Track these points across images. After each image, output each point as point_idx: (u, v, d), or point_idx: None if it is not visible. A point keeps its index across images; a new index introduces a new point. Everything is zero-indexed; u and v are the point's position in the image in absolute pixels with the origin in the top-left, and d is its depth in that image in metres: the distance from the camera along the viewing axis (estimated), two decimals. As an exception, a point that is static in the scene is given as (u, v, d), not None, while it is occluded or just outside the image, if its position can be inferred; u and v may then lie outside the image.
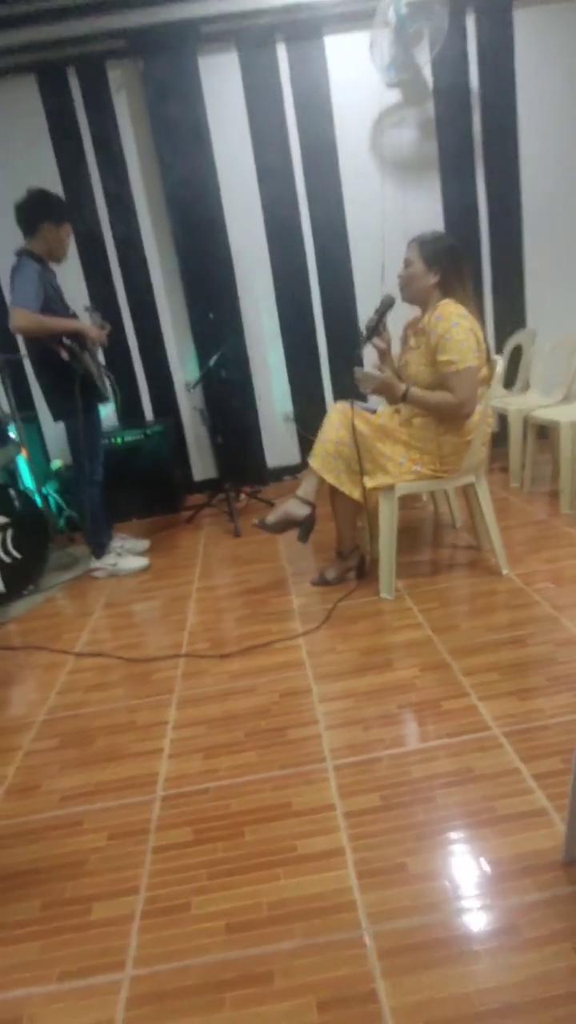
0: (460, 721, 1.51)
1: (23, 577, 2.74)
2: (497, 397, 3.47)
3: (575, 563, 2.25)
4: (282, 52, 3.38)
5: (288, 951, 1.02)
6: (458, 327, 1.95)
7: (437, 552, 2.59)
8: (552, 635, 1.83)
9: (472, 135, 3.53)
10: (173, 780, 1.46)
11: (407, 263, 2.10)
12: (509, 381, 3.61)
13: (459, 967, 0.95)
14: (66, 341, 2.41)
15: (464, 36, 3.39)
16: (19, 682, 2.03)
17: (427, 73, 3.43)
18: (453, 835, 1.19)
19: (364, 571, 2.40)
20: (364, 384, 2.12)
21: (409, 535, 2.82)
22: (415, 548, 2.65)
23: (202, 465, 3.95)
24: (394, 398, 2.13)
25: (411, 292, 2.12)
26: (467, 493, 2.29)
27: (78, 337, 2.49)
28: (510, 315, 3.78)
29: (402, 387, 2.08)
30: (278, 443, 3.93)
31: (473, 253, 3.68)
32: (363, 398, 2.52)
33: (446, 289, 2.05)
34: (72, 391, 2.46)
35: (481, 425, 2.07)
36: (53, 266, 2.61)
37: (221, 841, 1.27)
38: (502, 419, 3.34)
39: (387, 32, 3.21)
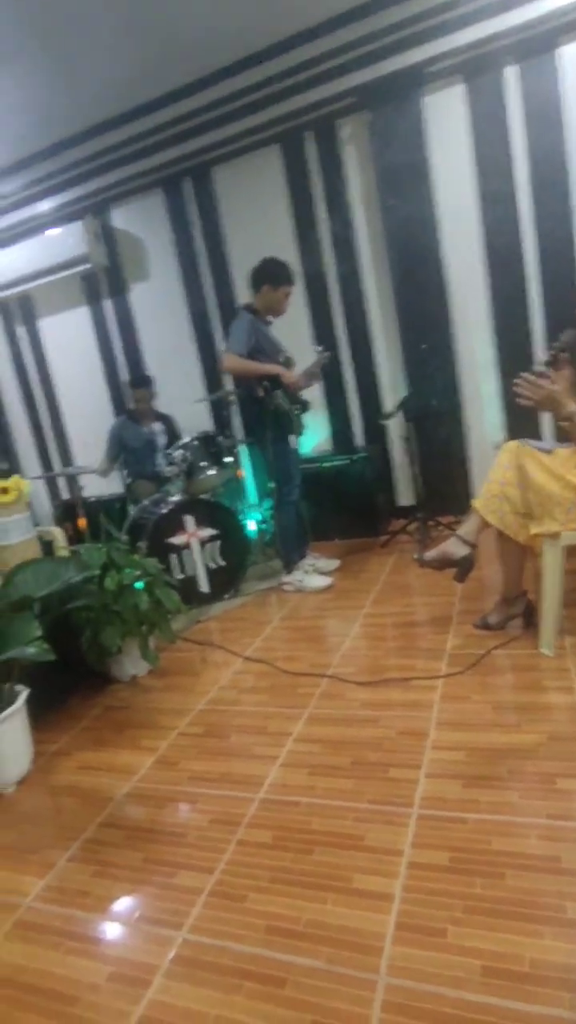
0: (570, 804, 1.37)
1: (225, 583, 3.17)
2: None
3: None
4: (510, 73, 3.29)
5: (307, 968, 1.10)
6: None
7: (632, 610, 2.27)
8: None
9: None
10: (275, 786, 1.62)
11: None
12: None
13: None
14: (264, 383, 2.76)
15: None
16: (195, 673, 2.40)
17: None
18: (505, 920, 1.12)
19: (531, 620, 2.23)
20: (530, 392, 1.93)
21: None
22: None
23: (406, 492, 4.01)
24: (559, 416, 1.94)
25: None
26: None
27: (275, 379, 2.82)
28: None
29: (572, 406, 1.90)
30: (487, 473, 3.78)
31: None
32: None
33: None
34: (264, 424, 2.80)
35: None
36: (270, 319, 3.01)
37: (291, 852, 1.38)
38: None
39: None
